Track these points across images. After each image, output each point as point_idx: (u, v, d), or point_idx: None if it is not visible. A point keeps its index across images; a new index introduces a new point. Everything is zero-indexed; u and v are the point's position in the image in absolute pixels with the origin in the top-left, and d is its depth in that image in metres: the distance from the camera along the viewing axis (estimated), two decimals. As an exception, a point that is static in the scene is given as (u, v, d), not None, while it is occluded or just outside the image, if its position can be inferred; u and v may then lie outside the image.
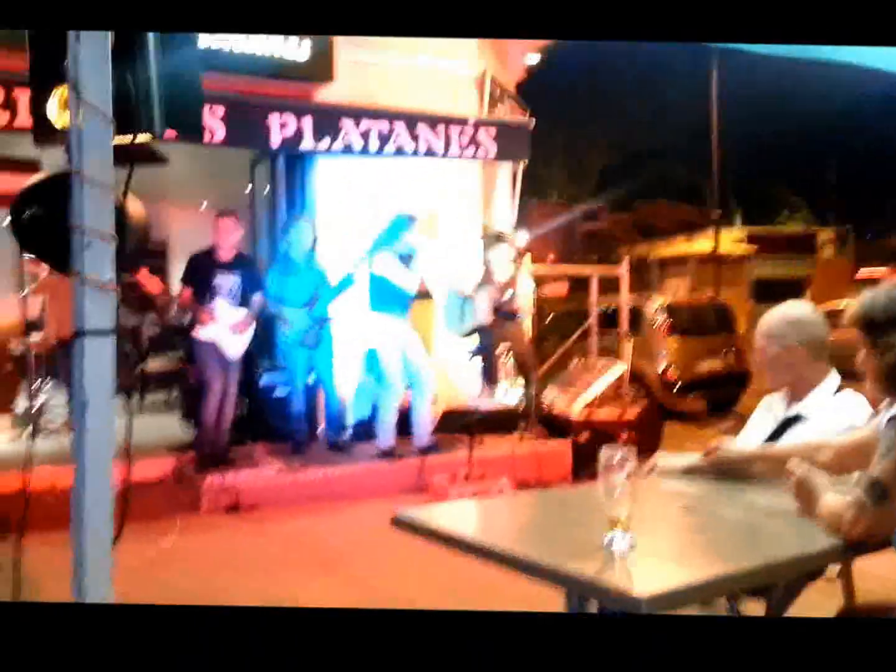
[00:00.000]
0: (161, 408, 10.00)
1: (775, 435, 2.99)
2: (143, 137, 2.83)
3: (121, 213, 2.79)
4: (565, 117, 21.46)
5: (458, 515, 2.86)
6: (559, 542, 2.26)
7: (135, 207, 3.01)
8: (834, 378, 2.96)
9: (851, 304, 2.46)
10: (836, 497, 2.26)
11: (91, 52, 2.65)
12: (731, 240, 21.89)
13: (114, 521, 2.75)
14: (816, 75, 18.84)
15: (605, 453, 2.10)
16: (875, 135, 22.44)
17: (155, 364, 10.55)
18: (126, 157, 2.80)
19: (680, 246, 21.79)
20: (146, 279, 6.56)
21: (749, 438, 3.09)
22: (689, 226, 23.54)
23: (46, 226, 2.80)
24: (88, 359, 2.62)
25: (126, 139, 2.79)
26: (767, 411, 3.13)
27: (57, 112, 2.84)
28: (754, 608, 2.64)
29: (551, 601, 2.43)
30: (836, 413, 2.86)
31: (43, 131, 2.86)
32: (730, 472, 2.81)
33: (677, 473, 2.89)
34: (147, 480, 6.42)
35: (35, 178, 2.93)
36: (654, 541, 2.22)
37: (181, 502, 6.38)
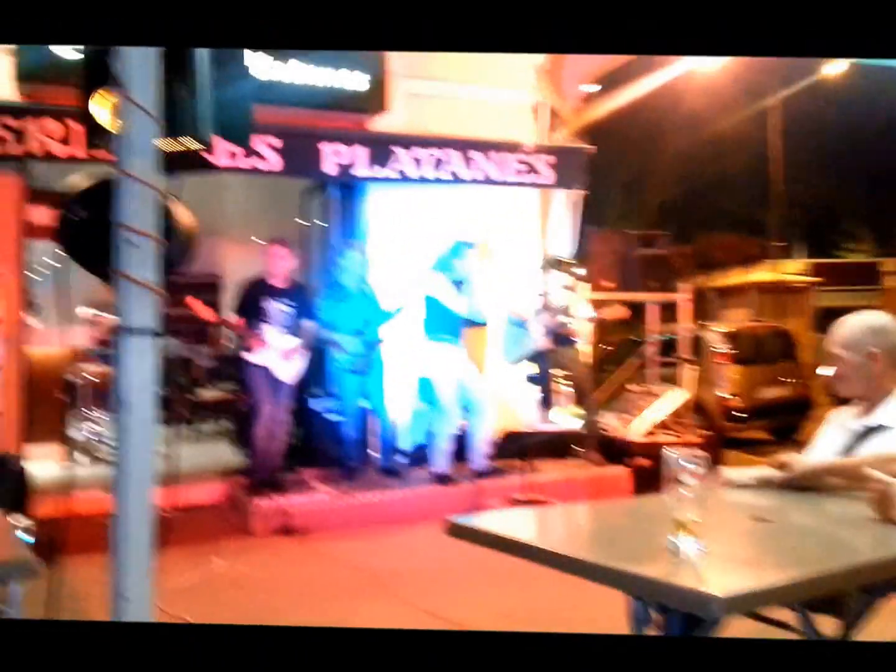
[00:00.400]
0: (214, 436, 10.04)
1: (851, 447, 2.85)
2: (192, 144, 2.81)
3: (168, 216, 2.75)
4: (624, 148, 21.32)
5: (517, 523, 2.76)
6: (622, 548, 2.16)
7: (182, 213, 2.98)
8: None
9: None
10: None
11: (139, 55, 2.63)
12: (793, 270, 21.61)
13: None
14: (878, 104, 18.56)
15: (673, 456, 2.00)
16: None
17: (208, 394, 10.62)
18: (175, 163, 2.77)
19: (740, 276, 21.54)
20: (198, 306, 6.55)
21: (819, 453, 2.95)
22: (749, 258, 23.27)
23: (89, 228, 2.77)
24: (130, 357, 2.56)
25: (175, 145, 2.77)
26: (838, 425, 2.99)
27: (107, 116, 2.83)
28: (827, 625, 2.48)
29: (610, 622, 2.32)
30: None
31: (94, 133, 2.85)
32: (801, 484, 2.71)
33: (745, 485, 2.81)
34: (200, 504, 6.41)
35: (78, 181, 2.92)
36: (724, 547, 2.10)
37: (233, 525, 6.35)
